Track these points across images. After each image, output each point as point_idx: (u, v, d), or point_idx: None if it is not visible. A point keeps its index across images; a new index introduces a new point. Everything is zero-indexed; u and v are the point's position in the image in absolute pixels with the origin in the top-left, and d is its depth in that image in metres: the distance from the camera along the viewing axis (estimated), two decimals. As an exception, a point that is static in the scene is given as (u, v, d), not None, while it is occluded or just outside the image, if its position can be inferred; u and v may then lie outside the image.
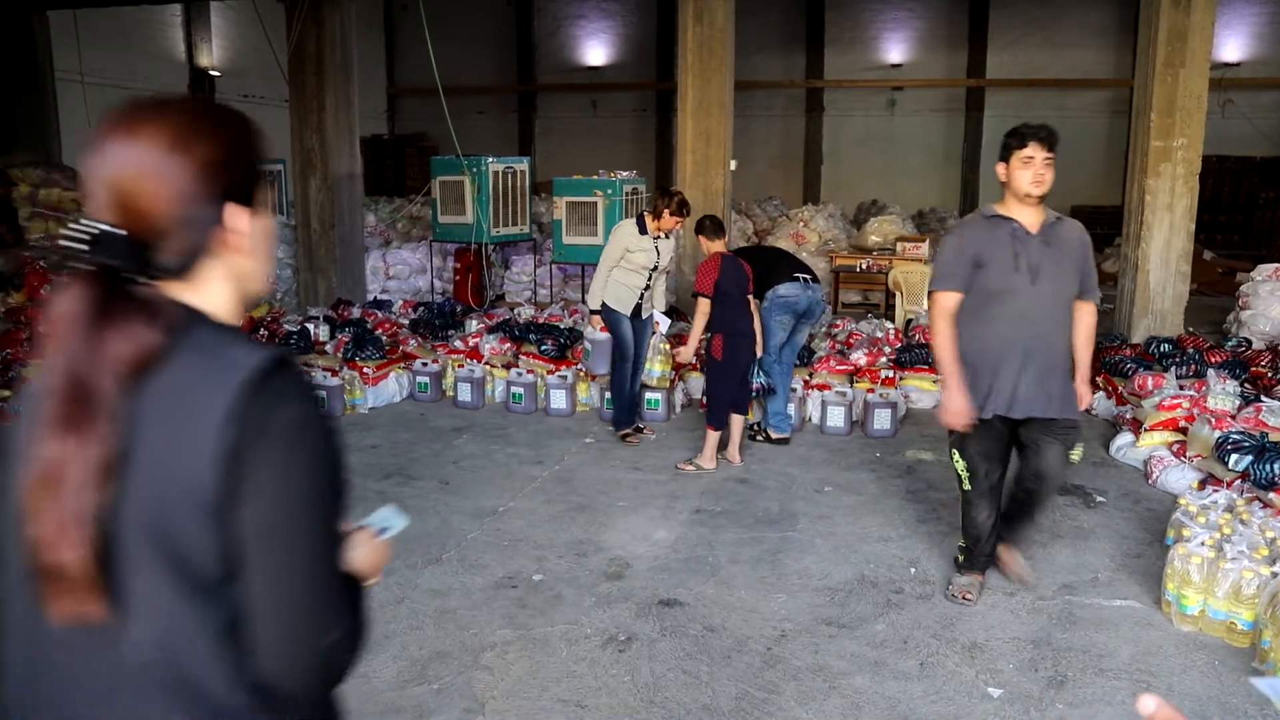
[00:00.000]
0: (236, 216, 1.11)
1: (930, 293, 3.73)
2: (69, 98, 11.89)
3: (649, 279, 5.93)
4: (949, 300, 3.69)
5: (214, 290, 1.09)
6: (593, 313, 5.96)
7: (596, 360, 6.20)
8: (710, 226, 5.73)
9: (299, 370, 1.04)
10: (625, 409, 6.10)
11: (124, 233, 1.02)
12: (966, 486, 3.81)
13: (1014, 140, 3.64)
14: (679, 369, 6.99)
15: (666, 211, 5.79)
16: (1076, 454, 3.83)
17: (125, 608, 0.98)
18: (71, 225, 1.02)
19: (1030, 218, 3.68)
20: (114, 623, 0.99)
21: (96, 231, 1.02)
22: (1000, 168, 3.69)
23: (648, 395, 6.60)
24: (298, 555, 1.01)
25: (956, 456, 3.82)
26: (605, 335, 5.99)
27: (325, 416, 1.07)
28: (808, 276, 6.01)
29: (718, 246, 5.65)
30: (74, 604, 0.97)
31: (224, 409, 0.97)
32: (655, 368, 6.48)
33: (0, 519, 1.05)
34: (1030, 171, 3.59)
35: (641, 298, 5.95)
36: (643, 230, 5.86)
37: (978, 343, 3.64)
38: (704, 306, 5.55)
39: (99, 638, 0.99)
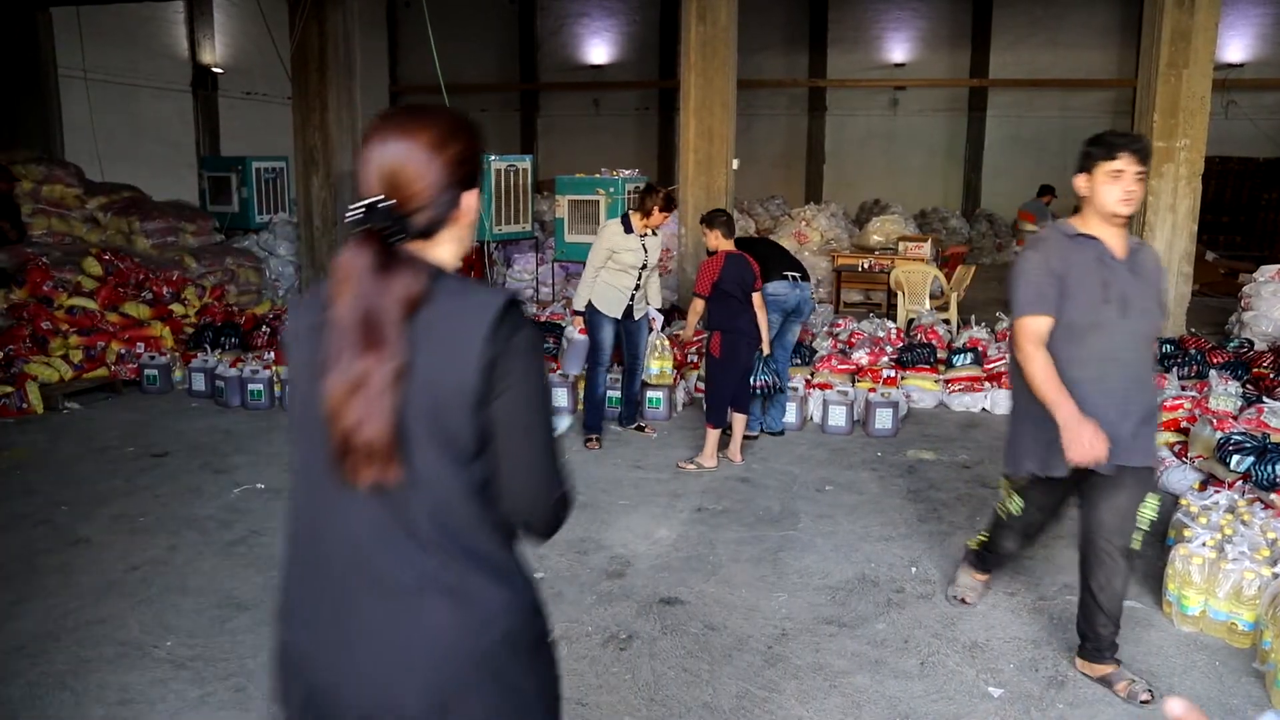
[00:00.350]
0: (468, 198, 1.48)
1: (1015, 320, 3.13)
2: (72, 94, 11.90)
3: (639, 278, 5.88)
4: (1040, 325, 3.07)
5: (445, 250, 1.47)
6: (575, 313, 5.92)
7: (570, 360, 6.12)
8: (723, 222, 5.66)
9: (523, 306, 1.42)
10: (595, 412, 6.02)
11: (392, 202, 1.39)
12: (1010, 512, 3.54)
13: (1099, 150, 3.05)
14: (681, 366, 7.00)
15: (656, 209, 5.76)
16: (1151, 507, 3.24)
17: (411, 475, 1.35)
18: (352, 206, 1.40)
19: (1116, 240, 3.10)
20: (403, 486, 1.35)
21: (371, 202, 1.38)
22: (1080, 180, 3.08)
23: (649, 394, 6.60)
24: (535, 434, 1.43)
25: (1011, 493, 3.48)
26: (584, 337, 5.92)
27: (539, 337, 1.46)
28: (797, 274, 6.01)
29: (726, 245, 5.61)
30: (378, 473, 1.33)
31: (483, 333, 1.35)
32: (654, 365, 6.43)
33: (295, 420, 1.46)
34: (1119, 187, 3.01)
35: (632, 298, 5.91)
36: (628, 229, 5.81)
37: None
38: (697, 306, 5.65)
39: (392, 497, 1.36)
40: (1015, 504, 3.48)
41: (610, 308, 5.89)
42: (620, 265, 5.80)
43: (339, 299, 1.37)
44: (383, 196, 1.39)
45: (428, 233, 1.44)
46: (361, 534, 1.40)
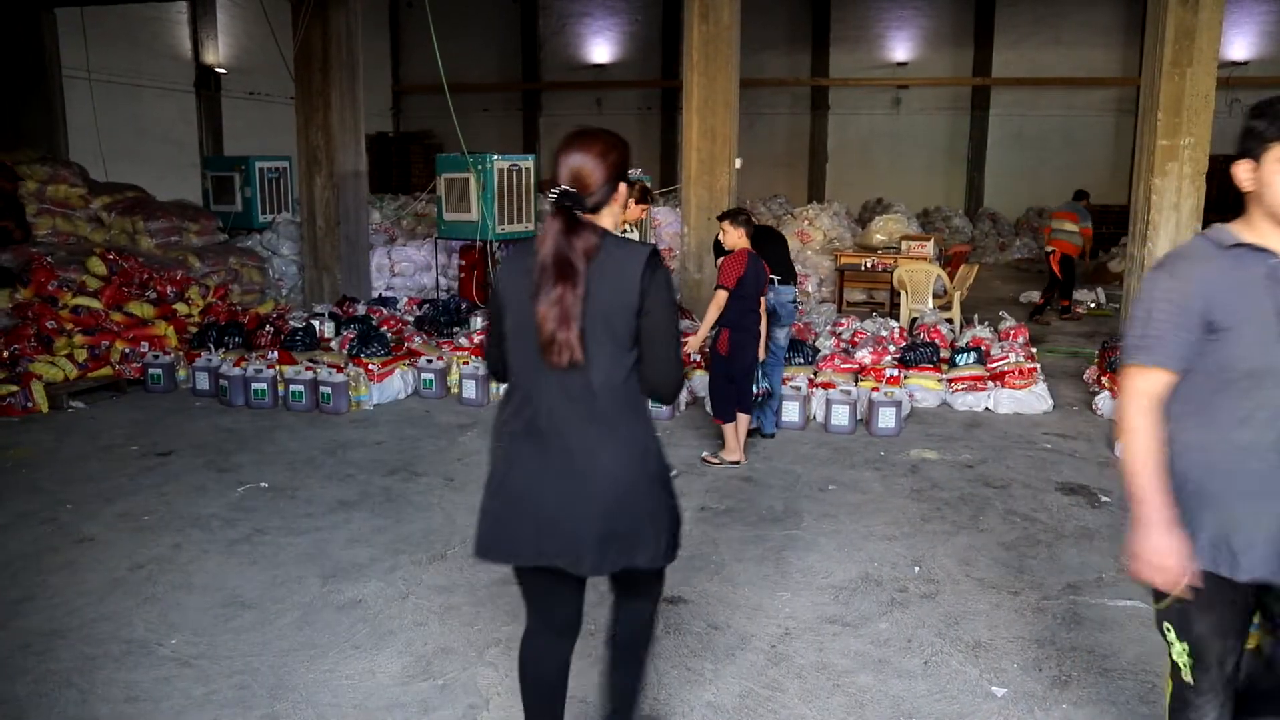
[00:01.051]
0: (621, 188, 2.33)
1: (1125, 365, 2.25)
2: (76, 94, 11.92)
3: None
4: (1153, 382, 2.17)
5: (607, 220, 2.30)
6: None
7: None
8: (745, 221, 5.62)
9: (659, 252, 2.25)
10: None
11: (574, 190, 2.22)
12: (1187, 679, 2.28)
13: (1272, 127, 2.11)
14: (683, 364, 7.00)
15: (632, 201, 5.69)
16: None
17: (590, 359, 2.18)
18: (550, 191, 2.23)
19: None
20: (585, 367, 2.18)
21: (563, 189, 2.22)
22: (1244, 168, 2.22)
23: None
24: (670, 337, 2.25)
25: (1172, 634, 2.30)
26: None
27: (670, 275, 2.31)
28: (776, 278, 6.00)
29: (745, 243, 5.60)
30: (569, 357, 2.15)
31: (639, 270, 2.18)
32: None
33: (513, 329, 2.28)
34: None
35: None
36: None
37: (1209, 455, 2.18)
38: (720, 299, 5.45)
39: (578, 374, 2.19)
40: (1183, 651, 2.27)
41: None
42: None
43: (542, 249, 2.19)
44: (569, 187, 2.23)
45: (595, 209, 2.27)
46: (560, 399, 2.23)
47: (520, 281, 2.24)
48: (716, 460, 5.59)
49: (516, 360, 2.29)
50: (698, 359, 6.93)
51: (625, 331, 2.19)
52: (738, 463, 5.59)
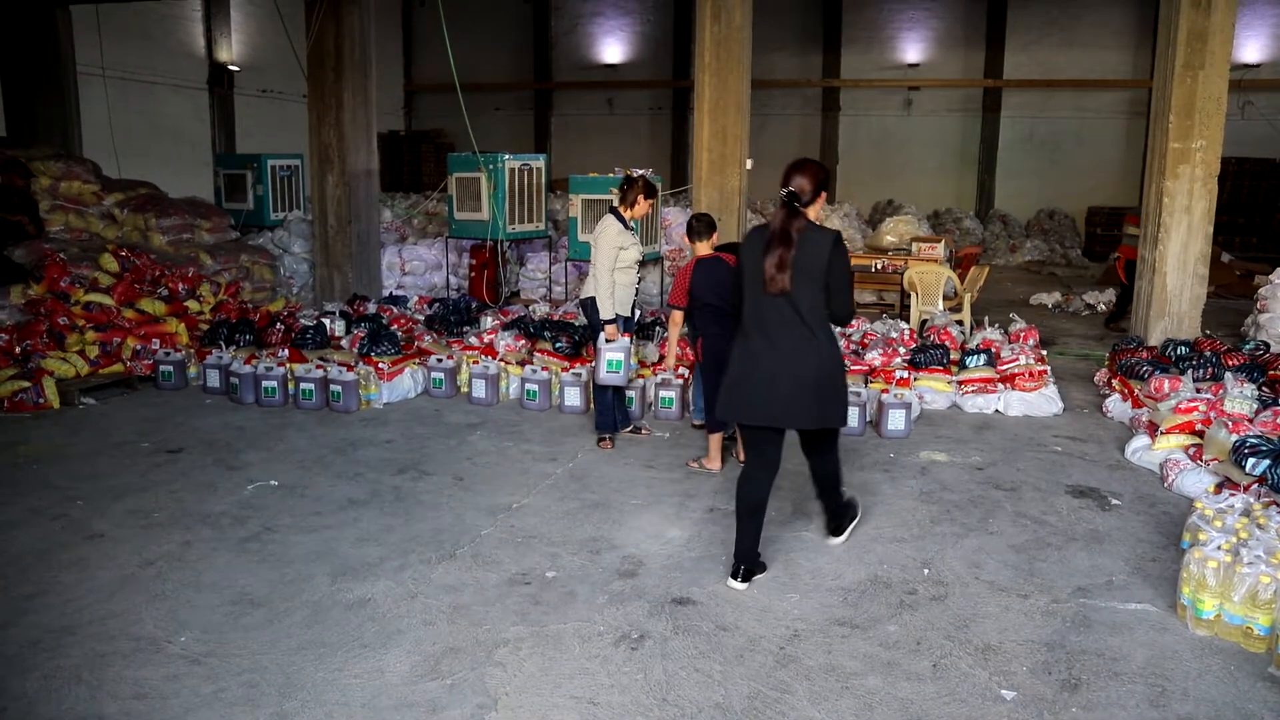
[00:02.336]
0: (821, 195, 3.87)
1: None
2: (90, 91, 11.99)
3: (639, 273, 5.95)
4: None
5: (810, 213, 3.82)
6: (607, 323, 5.72)
7: (609, 369, 5.77)
8: (697, 227, 5.54)
9: (841, 236, 3.83)
10: (606, 414, 5.95)
11: (796, 193, 3.78)
12: None
13: None
14: (694, 365, 6.99)
15: (641, 197, 5.83)
16: None
17: (796, 294, 3.77)
18: (782, 191, 3.83)
19: None
20: (793, 298, 3.77)
21: (790, 190, 3.77)
22: None
23: (661, 394, 6.60)
24: (845, 284, 3.86)
25: None
26: (623, 340, 5.79)
27: (846, 246, 3.87)
28: None
29: (703, 249, 5.52)
30: (779, 288, 3.76)
31: (828, 246, 3.77)
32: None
33: (748, 275, 3.88)
34: None
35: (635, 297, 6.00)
36: (625, 225, 5.81)
37: None
38: (675, 318, 5.59)
39: (786, 301, 3.78)
40: None
41: (625, 308, 5.89)
42: (625, 263, 5.79)
43: (772, 225, 3.80)
44: (793, 190, 3.75)
45: (805, 206, 3.79)
46: (777, 317, 3.81)
47: (756, 246, 3.86)
48: (695, 465, 5.56)
49: (749, 295, 3.88)
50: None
51: (819, 279, 3.76)
52: (714, 472, 5.50)
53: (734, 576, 4.00)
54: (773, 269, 3.71)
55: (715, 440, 5.55)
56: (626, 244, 5.76)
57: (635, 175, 6.07)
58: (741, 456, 5.64)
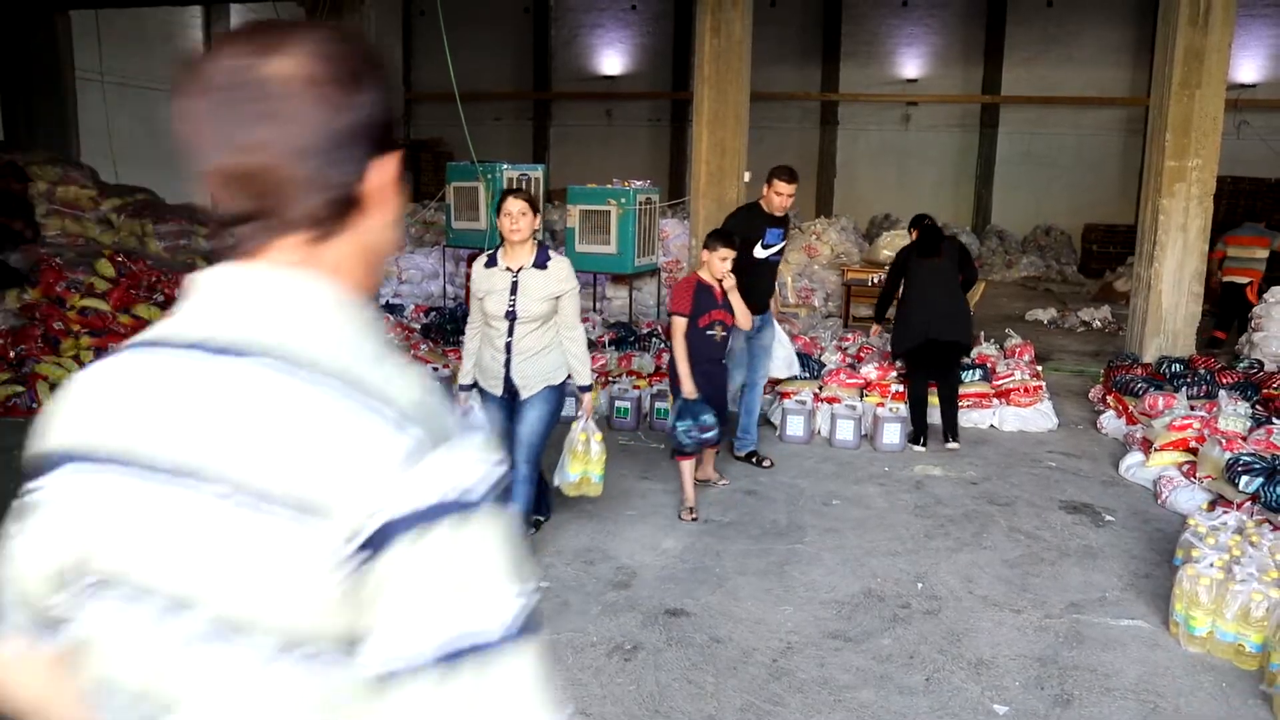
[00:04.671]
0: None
1: None
2: (88, 96, 12.00)
3: (508, 333, 4.07)
4: None
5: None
6: (461, 389, 4.28)
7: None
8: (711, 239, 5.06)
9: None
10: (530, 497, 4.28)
11: (930, 220, 6.82)
12: None
13: None
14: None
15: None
16: None
17: (947, 264, 6.29)
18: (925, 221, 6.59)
19: None
20: (948, 268, 6.31)
21: (925, 217, 6.81)
22: None
23: (657, 405, 6.58)
24: (970, 264, 6.69)
25: None
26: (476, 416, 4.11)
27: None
28: None
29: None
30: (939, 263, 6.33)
31: (960, 248, 6.69)
32: (573, 467, 4.38)
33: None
34: None
35: (509, 367, 4.09)
36: (490, 262, 4.16)
37: None
38: (677, 326, 4.87)
39: (946, 272, 6.27)
40: None
41: (485, 379, 4.22)
42: (486, 314, 4.15)
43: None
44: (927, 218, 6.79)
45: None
46: (939, 283, 6.25)
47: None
48: (688, 514, 4.94)
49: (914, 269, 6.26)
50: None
51: (959, 262, 6.19)
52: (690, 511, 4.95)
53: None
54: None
55: (687, 469, 5.00)
56: (481, 289, 4.15)
57: (516, 186, 4.82)
58: (710, 475, 5.40)
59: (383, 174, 0.92)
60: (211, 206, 0.92)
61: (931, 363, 6.31)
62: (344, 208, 0.89)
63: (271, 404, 0.81)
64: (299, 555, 0.78)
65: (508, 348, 4.09)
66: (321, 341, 0.84)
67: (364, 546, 0.77)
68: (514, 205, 4.06)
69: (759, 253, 5.70)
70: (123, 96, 13.43)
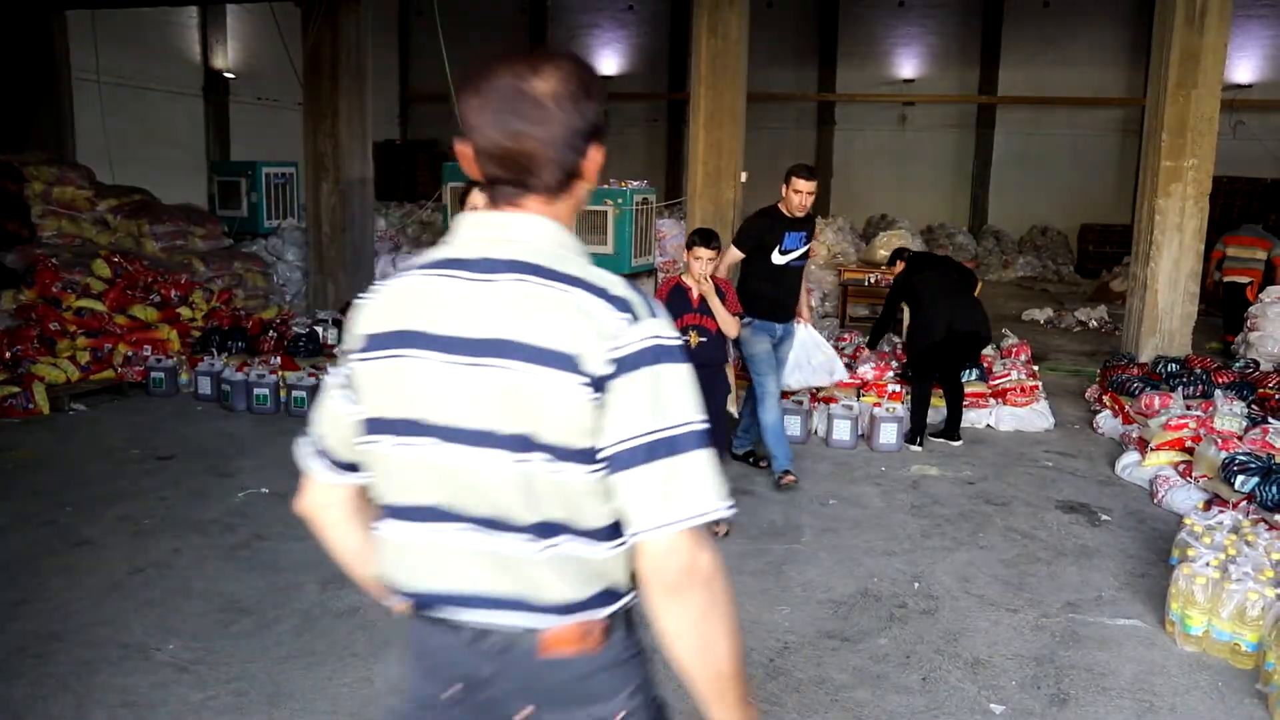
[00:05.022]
0: None
1: None
2: (85, 97, 11.96)
3: None
4: None
5: None
6: None
7: None
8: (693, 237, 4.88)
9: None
10: None
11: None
12: None
13: None
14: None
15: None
16: None
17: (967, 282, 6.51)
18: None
19: None
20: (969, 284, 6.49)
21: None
22: None
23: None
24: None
25: None
26: None
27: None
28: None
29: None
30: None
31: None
32: None
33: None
34: None
35: None
36: None
37: None
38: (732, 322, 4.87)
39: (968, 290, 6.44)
40: None
41: None
42: None
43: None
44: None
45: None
46: (949, 286, 6.23)
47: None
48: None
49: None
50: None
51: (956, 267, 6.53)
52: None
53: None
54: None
55: None
56: None
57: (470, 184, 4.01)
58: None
59: (594, 157, 1.35)
60: (479, 173, 1.34)
61: (948, 359, 6.29)
62: (570, 178, 1.34)
63: (538, 298, 1.26)
64: (566, 391, 1.22)
65: None
66: (560, 258, 1.30)
67: (602, 381, 1.22)
68: (478, 198, 3.50)
69: (778, 259, 5.32)
70: (119, 97, 13.39)
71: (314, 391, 6.73)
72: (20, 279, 7.75)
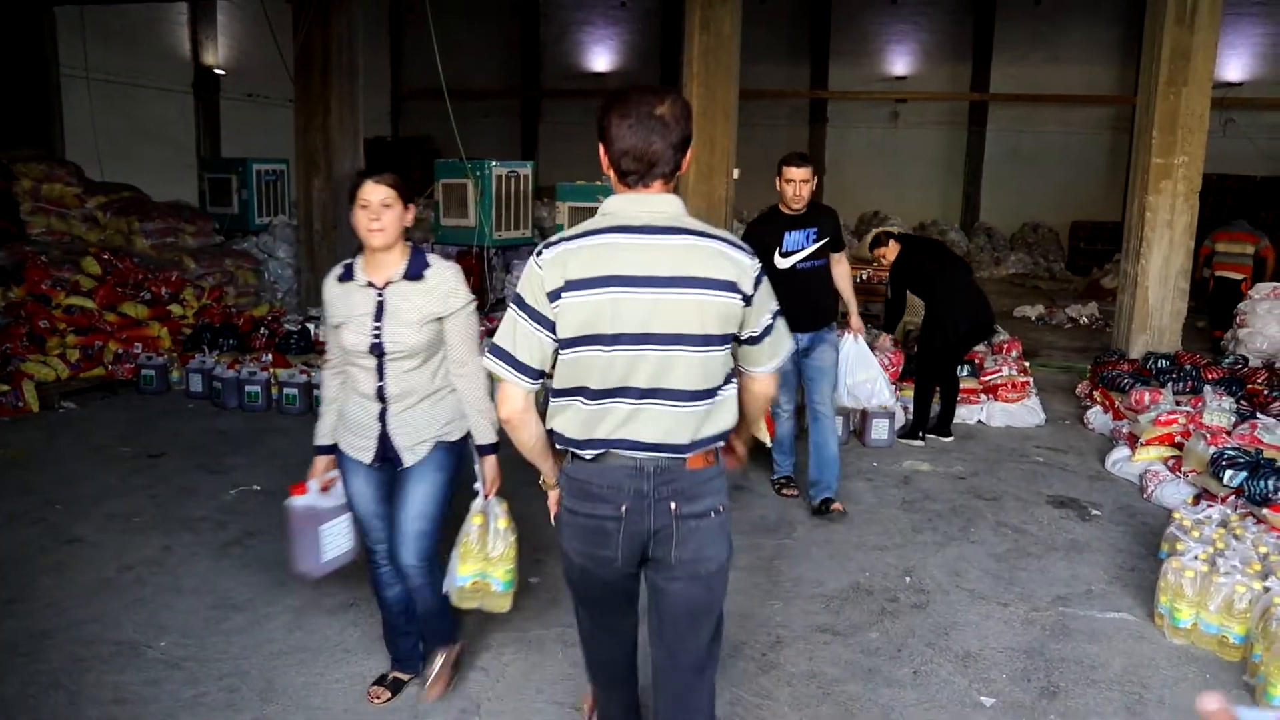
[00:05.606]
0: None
1: None
2: (74, 94, 11.91)
3: (379, 375, 2.90)
4: None
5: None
6: (317, 451, 3.13)
7: (305, 551, 3.11)
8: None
9: None
10: (391, 632, 3.23)
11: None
12: None
13: None
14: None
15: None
16: None
17: None
18: None
19: None
20: None
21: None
22: None
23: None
24: None
25: None
26: (326, 502, 3.11)
27: None
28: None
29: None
30: None
31: None
32: (463, 566, 2.96)
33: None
34: None
35: (384, 420, 2.93)
36: (346, 275, 2.99)
37: None
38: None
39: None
40: None
41: (351, 439, 3.01)
42: (345, 349, 2.95)
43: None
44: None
45: None
46: (962, 272, 6.36)
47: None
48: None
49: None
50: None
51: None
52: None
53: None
54: None
55: None
56: (334, 313, 2.97)
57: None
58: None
59: (689, 156, 2.14)
60: (614, 167, 2.11)
61: (961, 353, 6.31)
62: (676, 170, 2.13)
63: (701, 247, 2.09)
64: (730, 305, 2.09)
65: (380, 394, 2.90)
66: (694, 222, 2.16)
67: (749, 297, 2.12)
68: (373, 193, 2.84)
69: (780, 262, 4.83)
70: (108, 94, 13.34)
71: (305, 389, 6.72)
72: (9, 276, 7.71)
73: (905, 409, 6.82)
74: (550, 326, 2.08)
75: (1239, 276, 9.87)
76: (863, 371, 5.51)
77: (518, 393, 2.13)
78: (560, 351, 2.09)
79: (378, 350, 2.87)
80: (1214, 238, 10.24)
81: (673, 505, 2.14)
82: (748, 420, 2.34)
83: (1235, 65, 16.75)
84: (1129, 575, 4.28)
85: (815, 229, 4.89)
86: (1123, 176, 15.82)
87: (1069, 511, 5.13)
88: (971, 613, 3.89)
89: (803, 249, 4.87)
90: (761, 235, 4.85)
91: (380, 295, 2.88)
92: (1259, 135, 16.45)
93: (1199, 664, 3.50)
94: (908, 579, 4.22)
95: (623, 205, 2.10)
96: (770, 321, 2.19)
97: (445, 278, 2.91)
